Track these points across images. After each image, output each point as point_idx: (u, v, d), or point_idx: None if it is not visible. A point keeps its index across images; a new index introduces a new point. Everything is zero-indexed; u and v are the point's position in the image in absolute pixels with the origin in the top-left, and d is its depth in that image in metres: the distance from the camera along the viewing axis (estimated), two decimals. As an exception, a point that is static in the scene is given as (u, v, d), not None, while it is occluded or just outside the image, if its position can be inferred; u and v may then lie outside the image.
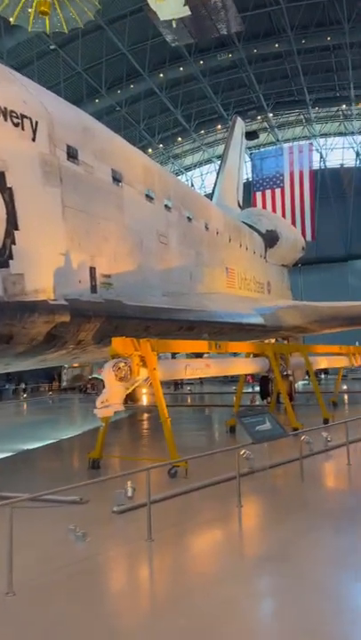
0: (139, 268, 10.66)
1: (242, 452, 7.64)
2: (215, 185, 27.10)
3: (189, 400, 25.53)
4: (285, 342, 17.76)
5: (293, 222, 46.26)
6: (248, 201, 43.36)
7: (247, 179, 50.80)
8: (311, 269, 51.09)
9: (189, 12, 21.97)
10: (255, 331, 14.96)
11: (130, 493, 6.17)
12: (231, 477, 6.45)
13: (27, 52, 32.16)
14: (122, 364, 7.66)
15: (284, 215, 46.51)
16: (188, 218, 13.75)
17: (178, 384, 32.27)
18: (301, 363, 13.85)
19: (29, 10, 17.41)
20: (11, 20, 17.28)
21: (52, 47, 32.55)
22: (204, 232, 15.08)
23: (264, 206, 47.40)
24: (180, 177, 54.54)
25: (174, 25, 22.87)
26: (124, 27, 31.57)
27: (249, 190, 48.29)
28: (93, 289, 8.81)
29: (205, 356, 14.28)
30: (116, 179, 9.99)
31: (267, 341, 18.87)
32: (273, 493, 6.95)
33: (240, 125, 30.96)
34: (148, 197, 11.34)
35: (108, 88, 36.41)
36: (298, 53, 35.40)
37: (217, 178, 27.72)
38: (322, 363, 15.86)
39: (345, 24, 31.67)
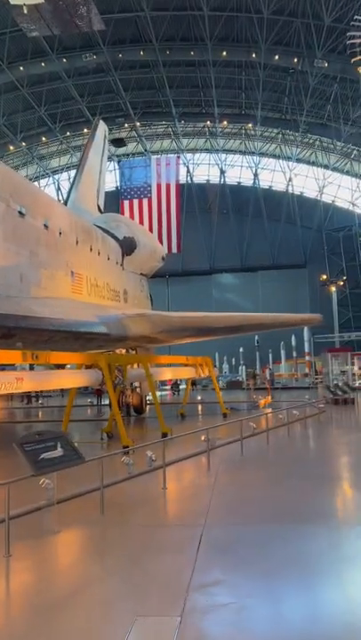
0: None
1: (40, 482, 6.47)
2: (71, 187, 25.76)
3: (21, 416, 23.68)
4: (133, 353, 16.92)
5: (160, 233, 46.45)
6: (117, 209, 42.66)
7: (116, 187, 50.27)
8: (178, 281, 51.72)
9: (42, 1, 20.60)
10: (97, 340, 13.83)
11: None
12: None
13: None
14: None
15: (150, 225, 46.51)
16: (20, 212, 12.29)
17: (31, 397, 30.10)
18: (142, 374, 13.01)
19: None
20: None
21: None
22: (43, 231, 13.67)
23: (132, 215, 47.00)
24: (45, 179, 52.30)
25: (25, 11, 21.40)
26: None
27: (117, 198, 47.77)
28: None
29: (19, 367, 12.82)
30: None
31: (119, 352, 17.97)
32: (49, 537, 5.66)
33: (103, 128, 29.93)
34: None
35: None
36: (163, 65, 35.53)
37: (73, 180, 26.40)
38: (166, 374, 15.20)
39: (208, 41, 32.32)
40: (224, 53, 33.61)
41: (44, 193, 16.77)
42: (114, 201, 45.98)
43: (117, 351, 18.30)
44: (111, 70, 36.20)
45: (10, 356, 9.14)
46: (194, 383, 35.39)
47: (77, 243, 16.36)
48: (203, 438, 10.61)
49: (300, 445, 12.26)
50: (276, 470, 8.97)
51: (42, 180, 52.14)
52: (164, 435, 12.34)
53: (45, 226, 13.85)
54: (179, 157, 48.24)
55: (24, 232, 12.46)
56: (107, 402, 20.66)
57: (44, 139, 44.34)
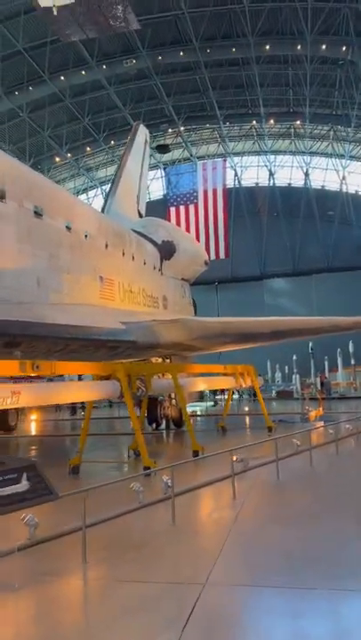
0: None
1: (21, 517, 5.40)
2: (109, 192, 25.09)
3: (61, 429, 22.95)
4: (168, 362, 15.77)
5: (207, 239, 45.32)
6: (164, 216, 41.93)
7: (163, 195, 49.63)
8: (227, 288, 50.39)
9: (72, 1, 20.09)
10: (122, 348, 12.78)
11: None
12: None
13: None
14: None
15: (197, 231, 45.49)
16: (36, 213, 11.45)
17: (76, 408, 29.48)
18: (171, 384, 11.81)
19: None
20: None
21: None
22: (64, 233, 12.81)
23: (178, 222, 46.17)
24: (94, 190, 52.44)
25: (55, 12, 20.93)
26: (19, 24, 29.32)
27: (164, 206, 47.10)
28: None
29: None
30: None
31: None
32: None
33: (143, 133, 29.25)
34: None
35: (6, 90, 33.90)
36: (205, 66, 34.57)
37: (111, 185, 25.75)
38: (199, 384, 13.92)
39: (250, 37, 31.06)
40: (267, 47, 32.22)
41: (68, 194, 15.98)
42: (161, 208, 45.37)
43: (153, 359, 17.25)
44: (152, 75, 35.60)
45: (4, 367, 8.17)
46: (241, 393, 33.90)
47: (107, 246, 15.45)
48: (234, 458, 9.30)
49: (350, 468, 10.60)
50: (316, 501, 7.48)
51: (90, 192, 52.34)
52: (195, 453, 11.12)
53: (68, 228, 12.99)
54: (225, 161, 47.00)
55: (41, 233, 11.60)
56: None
57: (88, 149, 44.35)
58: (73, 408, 29.29)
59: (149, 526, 6.39)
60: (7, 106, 35.33)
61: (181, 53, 32.82)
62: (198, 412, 25.83)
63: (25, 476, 4.66)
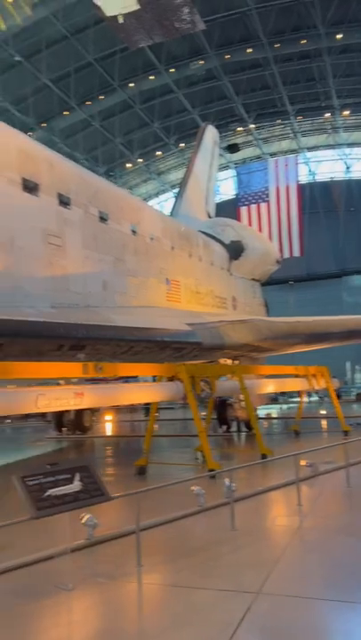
0: (5, 272, 8.60)
1: (81, 517, 5.50)
2: (177, 194, 25.24)
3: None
4: (237, 363, 15.54)
5: (280, 237, 44.48)
6: (235, 217, 41.61)
7: (235, 195, 49.25)
8: (303, 286, 49.13)
9: (138, 7, 20.33)
10: (187, 350, 12.76)
11: None
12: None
13: (-11, 63, 30.89)
14: None
15: (270, 230, 44.75)
16: (102, 218, 11.71)
17: (148, 409, 29.85)
18: (238, 386, 11.61)
19: None
20: None
21: (16, 59, 31.20)
22: (130, 236, 13.02)
23: (250, 221, 45.65)
24: (164, 194, 53.01)
25: (121, 20, 21.31)
26: (89, 36, 30.23)
27: (235, 206, 46.75)
28: None
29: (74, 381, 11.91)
30: None
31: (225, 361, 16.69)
32: (51, 597, 4.65)
33: (211, 133, 29.20)
34: (27, 188, 9.32)
35: (79, 101, 35.08)
36: (274, 61, 33.95)
37: (180, 187, 25.88)
38: (268, 386, 13.59)
39: (320, 27, 30.14)
40: (339, 36, 31.09)
41: (133, 198, 16.20)
42: (232, 209, 45.08)
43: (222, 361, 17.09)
44: (221, 75, 35.48)
45: (66, 369, 8.36)
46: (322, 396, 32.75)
47: (173, 248, 15.54)
48: (303, 463, 8.99)
49: None
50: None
51: (162, 196, 52.98)
52: (263, 456, 10.86)
53: (133, 231, 13.19)
54: (297, 157, 45.95)
55: (106, 238, 11.85)
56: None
57: (159, 153, 44.91)
58: (147, 409, 29.69)
59: (208, 531, 6.29)
60: (80, 116, 36.55)
61: (249, 50, 32.43)
62: (273, 415, 25.34)
63: (78, 476, 4.71)
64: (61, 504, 4.43)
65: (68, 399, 7.30)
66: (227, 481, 7.29)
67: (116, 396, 8.91)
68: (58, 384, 10.01)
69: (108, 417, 26.18)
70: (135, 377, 17.87)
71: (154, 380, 17.88)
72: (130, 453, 14.69)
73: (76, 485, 4.62)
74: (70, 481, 4.63)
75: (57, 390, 7.25)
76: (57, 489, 4.48)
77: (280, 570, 4.77)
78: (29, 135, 35.93)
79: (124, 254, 12.53)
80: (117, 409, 28.41)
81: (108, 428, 23.08)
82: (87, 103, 35.61)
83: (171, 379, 10.01)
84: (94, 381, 13.99)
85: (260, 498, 7.91)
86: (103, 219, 11.77)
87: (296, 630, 3.67)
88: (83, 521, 5.56)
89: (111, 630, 3.85)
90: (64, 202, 10.41)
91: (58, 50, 31.23)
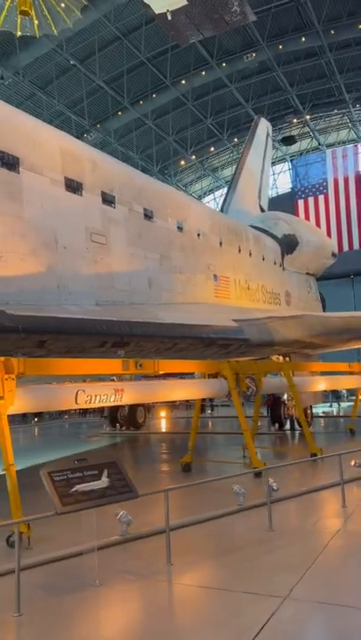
0: (50, 271, 8.77)
1: (116, 513, 5.55)
2: (229, 189, 24.97)
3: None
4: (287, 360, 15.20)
5: (339, 230, 43.24)
6: (292, 210, 40.77)
7: (292, 188, 48.24)
8: (365, 281, 47.41)
9: (186, 2, 20.30)
10: (234, 346, 12.57)
11: None
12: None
13: (45, 68, 31.74)
14: None
15: (328, 223, 43.59)
16: (147, 215, 11.74)
17: (205, 406, 29.82)
18: (286, 384, 11.33)
19: (16, 17, 16.44)
20: None
21: (71, 63, 31.93)
22: (176, 233, 12.98)
23: (307, 214, 44.66)
24: (219, 190, 52.69)
25: (169, 17, 21.30)
26: (141, 35, 30.46)
27: (291, 199, 45.82)
28: None
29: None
30: (8, 162, 8.21)
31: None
32: (78, 592, 4.67)
33: (264, 126, 28.69)
34: (70, 188, 9.47)
35: (132, 100, 35.44)
36: (330, 49, 32.90)
37: (231, 182, 25.60)
38: (319, 384, 13.17)
39: (378, 9, 28.91)
40: None
41: (179, 194, 16.07)
42: (289, 202, 44.21)
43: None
44: (274, 66, 34.76)
45: (107, 366, 8.43)
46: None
47: (221, 244, 15.37)
48: (352, 463, 8.68)
49: None
50: None
51: (217, 192, 52.70)
52: (313, 455, 10.57)
53: (179, 228, 13.14)
54: (356, 146, 44.47)
55: (152, 235, 11.87)
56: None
57: (212, 149, 44.66)
58: (202, 406, 29.66)
59: (244, 531, 6.16)
60: (133, 115, 36.91)
61: (303, 39, 31.57)
62: (331, 413, 24.66)
63: (106, 472, 4.72)
64: (87, 500, 4.44)
65: (107, 395, 7.37)
66: (270, 480, 7.14)
67: (156, 393, 8.92)
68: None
69: (163, 413, 26.34)
70: (192, 373, 17.91)
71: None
72: (180, 450, 14.70)
73: (103, 482, 4.64)
74: (98, 477, 4.64)
75: (96, 386, 7.33)
76: (84, 485, 4.50)
77: (313, 574, 4.60)
78: (85, 137, 36.79)
79: (170, 251, 12.50)
80: (173, 405, 28.55)
81: (162, 425, 23.21)
82: (140, 102, 35.89)
83: (215, 376, 9.90)
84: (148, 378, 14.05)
85: (303, 498, 7.69)
86: (148, 216, 11.79)
87: (318, 638, 3.51)
88: (117, 517, 5.59)
89: (126, 629, 3.83)
90: (108, 200, 10.50)
91: (110, 51, 31.70)
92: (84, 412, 31.26)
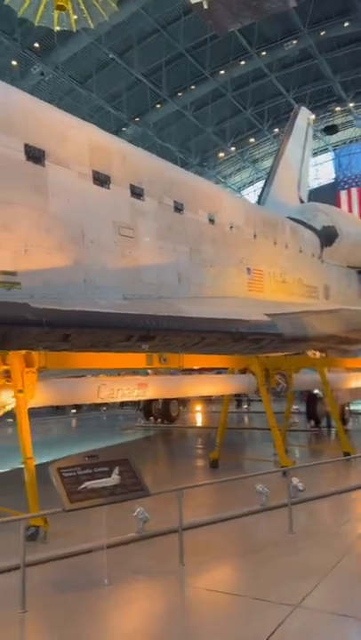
0: (76, 265, 8.76)
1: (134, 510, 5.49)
2: (267, 180, 24.50)
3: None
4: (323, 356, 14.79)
5: (384, 222, 41.81)
6: (333, 201, 39.75)
7: (334, 179, 47.03)
8: None
9: (221, -10, 19.96)
10: (266, 341, 12.27)
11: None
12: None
13: (84, 63, 31.91)
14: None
15: (373, 215, 42.26)
16: (177, 208, 11.59)
17: (241, 401, 29.53)
18: (319, 380, 11.00)
19: (53, 12, 16.53)
20: (35, 21, 16.50)
21: (110, 57, 31.99)
22: (207, 226, 12.78)
23: (350, 205, 43.44)
24: (260, 182, 51.91)
25: (205, 6, 20.97)
26: (179, 27, 30.19)
27: (333, 190, 44.65)
28: (-27, 288, 7.07)
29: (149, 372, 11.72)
30: (34, 156, 8.22)
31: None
32: (86, 590, 4.60)
33: (305, 115, 27.99)
34: (98, 181, 9.42)
35: (171, 93, 35.25)
36: (376, 32, 31.75)
37: (269, 173, 25.11)
38: (354, 380, 12.75)
39: None
40: None
41: (211, 186, 15.81)
42: (331, 193, 43.11)
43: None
44: (316, 53, 33.82)
45: (130, 360, 8.36)
46: None
47: (255, 236, 15.07)
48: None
49: None
50: None
51: (257, 183, 51.95)
52: (346, 454, 10.24)
53: (211, 220, 12.94)
54: None
55: (182, 228, 11.71)
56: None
57: (252, 140, 43.98)
58: (238, 401, 29.40)
59: (264, 532, 5.99)
60: (172, 108, 36.71)
61: (346, 24, 30.56)
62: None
63: (117, 470, 4.64)
64: (96, 497, 4.37)
65: (130, 389, 7.31)
66: (295, 480, 6.94)
67: (181, 388, 8.80)
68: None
69: (198, 407, 26.24)
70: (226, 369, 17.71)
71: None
72: (212, 445, 14.57)
73: (113, 479, 4.56)
74: (108, 474, 4.57)
75: (119, 381, 7.28)
76: (93, 482, 4.44)
77: (329, 581, 4.39)
78: (123, 131, 36.90)
79: (200, 244, 12.32)
80: (208, 399, 28.41)
81: (197, 419, 23.12)
82: (179, 94, 35.65)
83: (243, 371, 9.70)
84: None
85: (332, 499, 7.44)
86: (178, 209, 11.63)
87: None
88: (134, 514, 5.52)
89: (123, 630, 3.74)
90: (137, 193, 10.40)
91: (149, 44, 31.53)
92: (122, 404, 31.47)
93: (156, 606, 4.18)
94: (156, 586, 4.51)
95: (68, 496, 4.27)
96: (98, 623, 3.89)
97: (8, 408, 6.12)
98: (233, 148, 43.80)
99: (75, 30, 18.26)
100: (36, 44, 29.14)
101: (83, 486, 4.38)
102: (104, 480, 4.52)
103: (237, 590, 4.30)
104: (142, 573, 4.73)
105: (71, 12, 16.41)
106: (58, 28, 17.15)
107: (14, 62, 29.39)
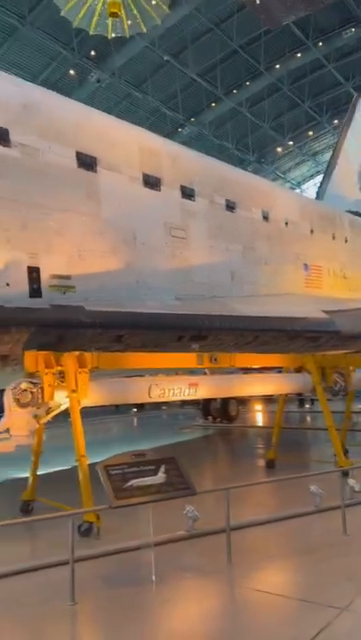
0: (128, 268, 8.96)
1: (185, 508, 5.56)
2: (325, 173, 23.93)
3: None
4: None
5: None
6: None
7: None
8: None
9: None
10: (324, 338, 12.01)
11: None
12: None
13: (139, 67, 32.36)
14: (26, 386, 6.05)
15: None
16: (228, 207, 11.59)
17: (303, 400, 28.93)
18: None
19: (107, 20, 16.93)
20: (90, 30, 16.99)
21: (165, 59, 32.29)
22: (261, 223, 12.69)
23: None
24: (321, 176, 50.71)
25: (258, 1, 20.78)
26: (233, 24, 30.02)
27: None
28: (35, 292, 7.37)
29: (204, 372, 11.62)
30: (86, 162, 8.47)
31: None
32: (133, 587, 4.65)
33: (364, 105, 27.15)
34: (149, 184, 9.58)
35: (226, 90, 35.13)
36: None
37: (328, 165, 24.50)
38: None
39: None
40: None
41: (264, 183, 15.58)
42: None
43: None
44: (376, 39, 32.66)
45: (180, 360, 8.42)
46: None
47: (312, 232, 14.79)
48: None
49: None
50: None
51: (317, 177, 50.77)
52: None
53: (265, 217, 12.83)
54: None
55: (234, 227, 11.70)
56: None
57: (311, 133, 43.01)
58: (301, 400, 28.81)
59: (315, 534, 5.89)
60: (228, 106, 36.55)
61: None
62: None
63: (163, 468, 4.72)
64: (142, 495, 4.47)
65: (181, 389, 7.38)
66: (351, 481, 6.79)
67: (233, 387, 8.77)
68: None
69: (258, 407, 26.00)
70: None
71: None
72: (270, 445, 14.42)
73: (159, 477, 4.63)
74: (155, 472, 4.65)
75: (170, 381, 7.37)
76: (139, 480, 4.53)
77: (380, 586, 4.27)
78: (180, 132, 37.12)
79: (254, 242, 12.24)
80: (269, 399, 28.06)
81: (256, 418, 22.92)
82: (234, 92, 35.44)
83: (299, 370, 9.55)
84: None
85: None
86: (230, 207, 11.62)
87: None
88: (184, 512, 5.59)
89: (171, 629, 3.80)
90: (188, 194, 10.49)
91: (202, 43, 31.53)
92: (183, 402, 31.65)
93: (200, 605, 4.22)
94: (202, 585, 4.56)
95: (114, 493, 4.39)
96: (145, 618, 3.98)
97: (62, 408, 6.33)
98: (291, 143, 43.02)
99: (128, 36, 18.57)
100: (93, 52, 29.81)
101: (129, 484, 4.49)
102: (150, 478, 4.61)
103: (284, 591, 4.27)
104: (190, 571, 4.78)
105: (124, 18, 16.69)
106: (113, 35, 17.48)
107: (72, 72, 30.23)
